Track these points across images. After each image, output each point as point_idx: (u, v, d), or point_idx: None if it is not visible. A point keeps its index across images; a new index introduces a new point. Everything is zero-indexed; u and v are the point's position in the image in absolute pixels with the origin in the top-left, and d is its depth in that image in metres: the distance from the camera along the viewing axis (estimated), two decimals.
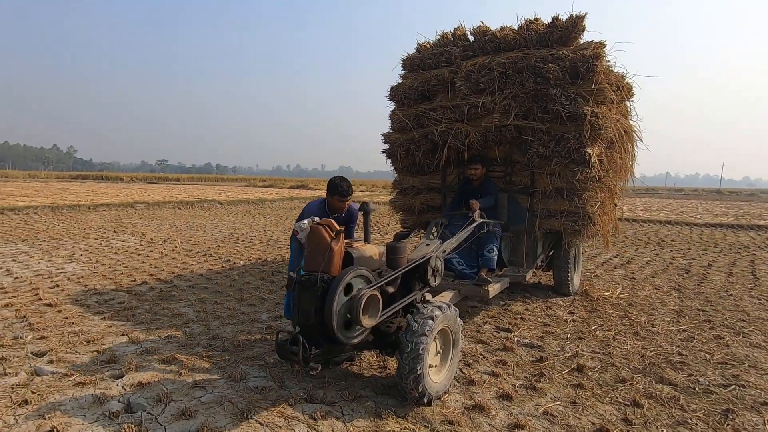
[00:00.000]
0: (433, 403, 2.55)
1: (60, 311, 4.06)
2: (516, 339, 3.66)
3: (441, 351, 2.74)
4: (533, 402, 2.65)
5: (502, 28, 4.29)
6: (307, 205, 3.53)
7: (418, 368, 2.39)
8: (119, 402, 2.50)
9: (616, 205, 5.23)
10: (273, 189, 32.64)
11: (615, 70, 4.32)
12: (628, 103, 4.81)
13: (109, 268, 5.94)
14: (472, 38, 4.49)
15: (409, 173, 5.05)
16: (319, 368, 2.25)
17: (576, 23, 3.90)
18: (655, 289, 5.49)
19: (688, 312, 4.55)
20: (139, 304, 4.37)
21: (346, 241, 2.63)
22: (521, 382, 2.89)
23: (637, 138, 4.72)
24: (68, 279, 5.28)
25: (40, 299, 4.39)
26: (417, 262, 2.76)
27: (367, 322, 2.29)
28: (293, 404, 2.51)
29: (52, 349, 3.19)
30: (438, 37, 4.68)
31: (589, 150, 3.78)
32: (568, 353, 3.38)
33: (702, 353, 3.47)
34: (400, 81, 4.84)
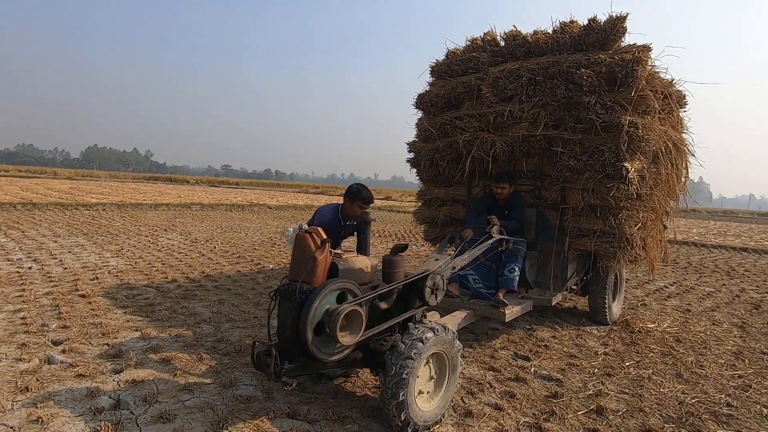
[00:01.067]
0: None
1: (90, 302, 4.29)
2: (533, 369, 3.33)
3: (435, 377, 2.52)
4: None
5: (535, 32, 4.00)
6: (320, 209, 3.46)
7: (401, 394, 2.20)
8: (110, 398, 2.54)
9: (665, 227, 4.68)
10: (324, 196, 33.41)
11: (664, 77, 3.88)
12: (682, 114, 4.31)
13: (149, 264, 6.26)
14: (502, 43, 4.25)
15: (433, 184, 4.86)
16: (294, 384, 2.14)
17: (615, 25, 3.54)
18: (713, 324, 4.83)
19: (749, 355, 3.93)
20: (163, 301, 4.53)
21: (338, 251, 2.51)
22: (527, 420, 2.59)
23: (689, 152, 4.19)
24: (109, 272, 5.62)
25: (77, 290, 4.69)
26: (414, 278, 2.58)
27: (347, 339, 2.15)
28: (273, 418, 2.42)
29: (69, 339, 3.35)
30: (468, 42, 4.48)
31: (626, 164, 3.38)
32: (589, 391, 3.01)
33: (758, 406, 2.95)
34: (428, 88, 4.69)
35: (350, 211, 3.32)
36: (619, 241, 3.62)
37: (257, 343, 2.24)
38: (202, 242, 8.57)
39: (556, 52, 3.78)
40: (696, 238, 14.74)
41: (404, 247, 2.71)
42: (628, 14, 3.55)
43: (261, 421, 2.38)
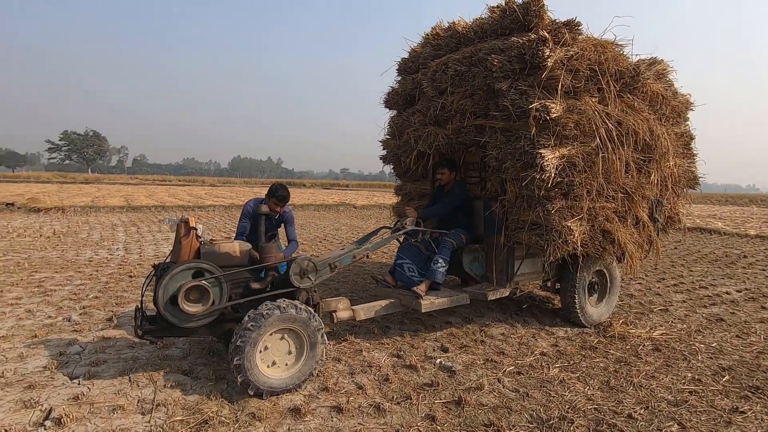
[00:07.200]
0: (265, 397, 2.68)
1: (132, 282, 5.49)
2: (439, 360, 3.33)
3: (294, 351, 2.82)
4: (356, 420, 2.50)
5: (475, 21, 3.89)
6: (247, 202, 3.97)
7: (236, 359, 2.58)
8: (79, 347, 3.41)
9: (656, 220, 4.03)
10: None
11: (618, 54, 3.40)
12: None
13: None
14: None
15: (407, 179, 5.00)
16: (159, 342, 2.68)
17: (529, 6, 3.27)
18: (738, 337, 4.01)
19: (738, 371, 3.26)
20: None
21: (216, 238, 2.98)
22: (375, 400, 2.71)
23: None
24: None
25: (130, 272, 5.98)
26: (278, 263, 2.92)
27: (192, 309, 2.62)
28: (168, 372, 2.99)
29: (92, 306, 4.44)
30: (422, 39, 4.51)
31: (542, 151, 3.14)
32: (473, 384, 2.94)
33: (670, 422, 2.54)
34: (395, 86, 4.84)
35: (269, 206, 3.76)
36: (548, 233, 3.35)
37: (138, 308, 2.84)
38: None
39: (482, 40, 3.65)
40: None
41: (274, 236, 3.05)
42: None
43: (157, 372, 2.98)
